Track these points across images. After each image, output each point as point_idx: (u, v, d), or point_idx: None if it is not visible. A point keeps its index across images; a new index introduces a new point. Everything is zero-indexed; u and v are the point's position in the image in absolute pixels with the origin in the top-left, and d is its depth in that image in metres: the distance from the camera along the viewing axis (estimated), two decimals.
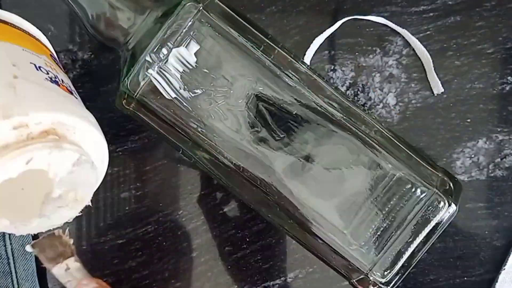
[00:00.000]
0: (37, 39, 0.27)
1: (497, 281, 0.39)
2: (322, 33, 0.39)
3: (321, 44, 0.39)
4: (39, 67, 0.24)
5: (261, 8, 0.39)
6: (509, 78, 0.40)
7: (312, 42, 0.39)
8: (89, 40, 0.39)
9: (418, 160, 0.32)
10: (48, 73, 0.24)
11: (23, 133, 0.20)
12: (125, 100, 0.31)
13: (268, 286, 0.40)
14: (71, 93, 0.25)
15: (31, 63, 0.23)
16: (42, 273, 0.39)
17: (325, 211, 0.31)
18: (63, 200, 0.23)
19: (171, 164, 0.40)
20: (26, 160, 0.20)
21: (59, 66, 0.26)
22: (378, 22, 0.39)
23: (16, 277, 0.37)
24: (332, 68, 0.40)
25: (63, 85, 0.24)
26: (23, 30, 0.27)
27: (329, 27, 0.39)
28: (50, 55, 0.26)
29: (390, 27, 0.39)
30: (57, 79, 0.24)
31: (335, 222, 0.31)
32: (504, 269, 0.39)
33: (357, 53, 0.40)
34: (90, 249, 0.39)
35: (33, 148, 0.20)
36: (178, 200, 0.40)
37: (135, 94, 0.31)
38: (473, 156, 0.40)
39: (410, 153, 0.32)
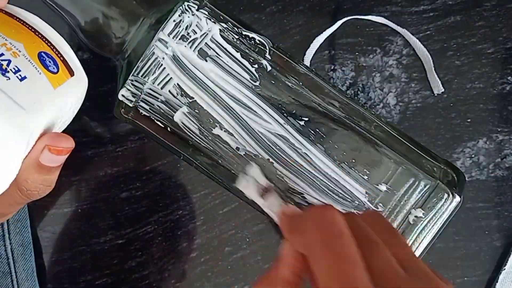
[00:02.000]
0: (36, 33, 0.27)
1: (497, 281, 0.39)
2: (322, 33, 0.39)
3: (321, 44, 0.39)
4: None
5: (261, 7, 0.39)
6: (509, 78, 0.40)
7: (312, 42, 0.39)
8: None
9: (420, 153, 0.32)
10: None
11: None
12: (123, 109, 0.31)
13: None
14: (1, 69, 0.24)
15: None
16: (41, 273, 0.39)
17: None
18: None
19: (171, 164, 0.40)
20: None
21: (43, 64, 0.26)
22: (378, 22, 0.39)
23: (16, 277, 0.37)
24: (332, 68, 0.40)
25: None
26: (18, 20, 0.27)
27: (329, 27, 0.39)
28: (40, 53, 0.26)
29: (390, 27, 0.39)
30: None
31: None
32: (505, 269, 0.39)
33: (357, 53, 0.40)
34: (90, 249, 0.39)
35: None
36: (178, 200, 0.40)
37: (133, 102, 0.31)
38: (473, 156, 0.40)
39: (411, 146, 0.32)
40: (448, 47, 0.40)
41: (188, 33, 0.31)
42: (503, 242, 0.40)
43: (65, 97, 0.27)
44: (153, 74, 0.31)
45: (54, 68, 0.26)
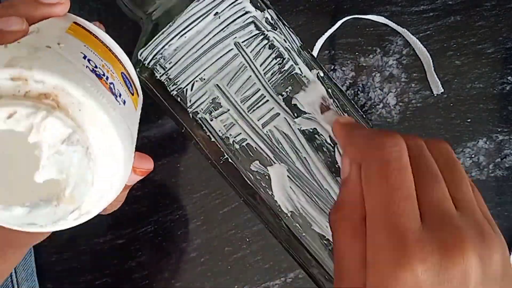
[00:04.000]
0: (112, 52, 0.26)
1: None
2: (321, 32, 0.39)
3: (321, 44, 0.39)
4: (88, 59, 0.23)
5: None
6: (509, 78, 0.40)
7: (311, 42, 0.39)
8: None
9: None
10: (95, 67, 0.23)
11: (21, 89, 0.20)
12: (139, 69, 0.31)
13: (268, 286, 0.40)
14: (113, 93, 0.23)
15: (81, 52, 0.23)
16: (42, 273, 0.39)
17: (315, 218, 0.31)
18: (49, 190, 0.21)
19: (171, 164, 0.40)
20: (7, 113, 0.19)
21: (127, 86, 0.25)
22: (378, 22, 0.39)
23: (16, 277, 0.37)
24: (332, 68, 0.40)
25: (105, 82, 0.23)
26: (97, 38, 0.26)
27: (329, 26, 0.39)
28: (122, 73, 0.25)
29: (390, 27, 0.39)
30: (100, 74, 0.23)
31: (323, 231, 0.31)
32: None
33: (357, 53, 0.40)
34: (90, 249, 0.39)
35: (19, 103, 0.19)
36: (178, 200, 0.40)
37: (149, 64, 0.31)
38: (473, 156, 0.40)
39: None
40: (448, 47, 0.40)
41: (222, 11, 0.30)
42: None
43: (138, 118, 0.27)
44: (178, 42, 0.30)
45: (132, 90, 0.26)
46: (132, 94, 0.26)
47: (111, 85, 0.23)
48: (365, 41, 0.39)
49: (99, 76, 0.22)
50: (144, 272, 0.40)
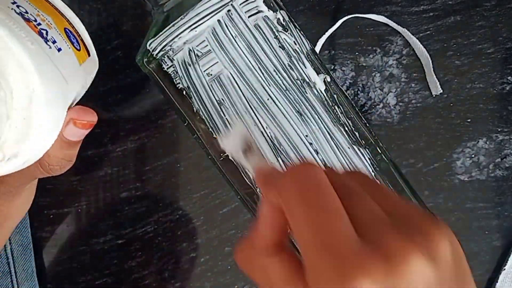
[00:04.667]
0: (55, 8, 0.27)
1: (497, 281, 0.39)
2: (321, 32, 0.39)
3: (321, 44, 0.39)
4: (18, 5, 0.24)
5: None
6: (509, 78, 0.40)
7: (312, 42, 0.39)
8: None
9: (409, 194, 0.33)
10: (25, 12, 0.23)
11: None
12: (146, 59, 0.31)
13: None
14: (42, 36, 0.24)
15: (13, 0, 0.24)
16: (41, 273, 0.39)
17: None
18: None
19: (171, 164, 0.40)
20: None
21: (70, 41, 0.26)
22: (378, 22, 0.39)
23: (16, 277, 0.37)
24: (332, 67, 0.40)
25: (34, 26, 0.23)
26: None
27: (329, 26, 0.39)
28: (65, 28, 0.26)
29: (390, 27, 0.39)
30: (30, 19, 0.24)
31: None
32: (505, 269, 0.39)
33: (357, 53, 0.40)
34: (90, 249, 0.39)
35: None
36: (178, 200, 0.40)
37: (158, 55, 0.31)
38: (473, 156, 0.40)
39: (404, 187, 0.32)
40: (448, 47, 0.40)
41: (234, 7, 0.31)
42: (503, 242, 0.40)
43: (86, 74, 0.27)
44: (188, 35, 0.31)
45: (77, 45, 0.27)
46: (78, 50, 0.27)
47: (43, 31, 0.24)
48: (365, 41, 0.39)
49: (27, 19, 0.23)
50: (144, 272, 0.40)
